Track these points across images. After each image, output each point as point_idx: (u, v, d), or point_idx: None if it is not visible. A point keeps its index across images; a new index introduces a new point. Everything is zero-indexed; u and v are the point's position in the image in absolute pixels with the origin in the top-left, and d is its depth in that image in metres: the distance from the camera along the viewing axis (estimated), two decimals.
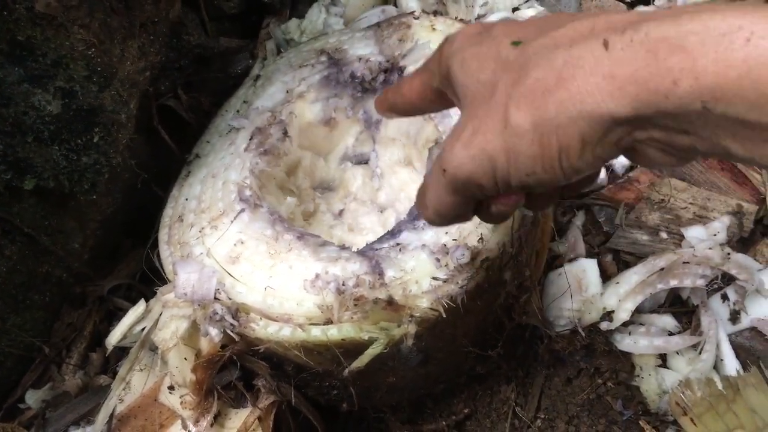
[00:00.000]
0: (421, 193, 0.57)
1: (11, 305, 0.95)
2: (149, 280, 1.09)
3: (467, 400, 1.03)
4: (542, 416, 1.00)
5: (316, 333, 0.73)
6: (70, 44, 0.70)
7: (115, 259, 1.13)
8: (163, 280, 0.88)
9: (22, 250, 0.93)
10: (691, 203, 1.02)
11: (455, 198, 0.52)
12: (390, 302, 0.72)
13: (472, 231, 0.77)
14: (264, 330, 0.75)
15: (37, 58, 0.71)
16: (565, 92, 0.42)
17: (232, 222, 0.83)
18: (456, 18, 1.02)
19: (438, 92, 0.57)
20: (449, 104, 0.58)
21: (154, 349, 0.87)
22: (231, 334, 0.76)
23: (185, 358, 0.81)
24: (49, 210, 0.92)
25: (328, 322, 0.74)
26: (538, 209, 0.51)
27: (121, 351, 1.04)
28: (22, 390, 1.00)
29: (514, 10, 1.18)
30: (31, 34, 0.68)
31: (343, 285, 0.74)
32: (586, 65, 0.42)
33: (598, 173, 0.53)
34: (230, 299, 0.77)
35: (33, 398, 0.98)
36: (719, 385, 0.84)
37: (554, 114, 0.43)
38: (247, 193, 0.85)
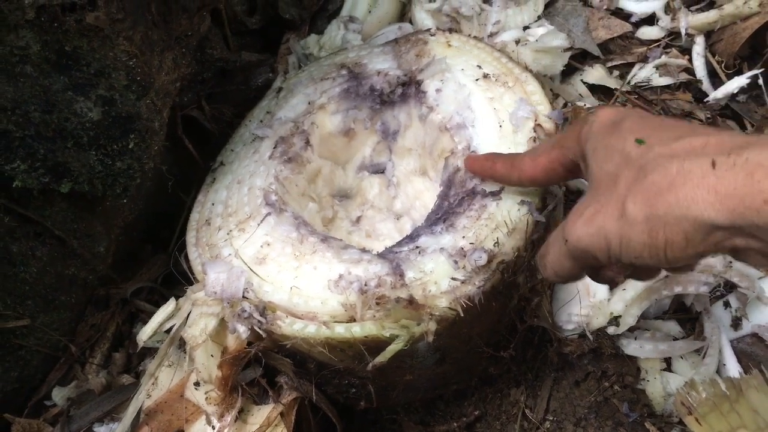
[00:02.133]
0: (543, 255, 0.67)
1: (41, 305, 0.98)
2: (170, 283, 1.14)
3: (478, 402, 1.06)
4: (551, 418, 1.03)
5: (340, 330, 0.77)
6: (113, 55, 0.75)
7: (137, 263, 1.16)
8: (186, 282, 0.91)
9: (52, 252, 0.97)
10: None
11: (573, 263, 0.62)
12: (411, 301, 0.76)
13: (489, 235, 0.81)
14: (290, 327, 0.78)
15: (81, 67, 0.75)
16: (674, 197, 0.51)
17: (258, 225, 0.87)
18: (469, 35, 1.07)
19: (572, 165, 0.68)
20: (578, 176, 0.69)
21: (181, 346, 0.91)
22: (258, 331, 0.79)
23: (212, 355, 0.85)
24: (79, 214, 0.96)
25: (352, 320, 0.78)
26: (641, 280, 0.63)
27: (144, 351, 1.08)
28: (47, 388, 1.04)
29: (525, 28, 1.24)
30: (78, 44, 0.73)
31: (366, 285, 0.78)
32: (695, 178, 0.50)
33: (697, 263, 0.61)
34: (258, 298, 0.81)
35: (59, 395, 1.01)
36: (723, 387, 0.87)
37: (663, 213, 0.51)
38: (273, 197, 0.90)
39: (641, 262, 0.55)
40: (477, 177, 0.84)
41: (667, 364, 1.01)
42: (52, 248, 0.97)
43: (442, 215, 0.86)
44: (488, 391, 1.06)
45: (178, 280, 0.96)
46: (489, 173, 0.80)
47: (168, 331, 0.92)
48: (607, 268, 0.64)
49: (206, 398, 0.86)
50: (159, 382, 0.90)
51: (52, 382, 1.04)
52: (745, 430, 0.85)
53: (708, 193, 0.49)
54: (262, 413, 0.86)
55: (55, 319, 1.02)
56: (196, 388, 0.87)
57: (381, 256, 0.83)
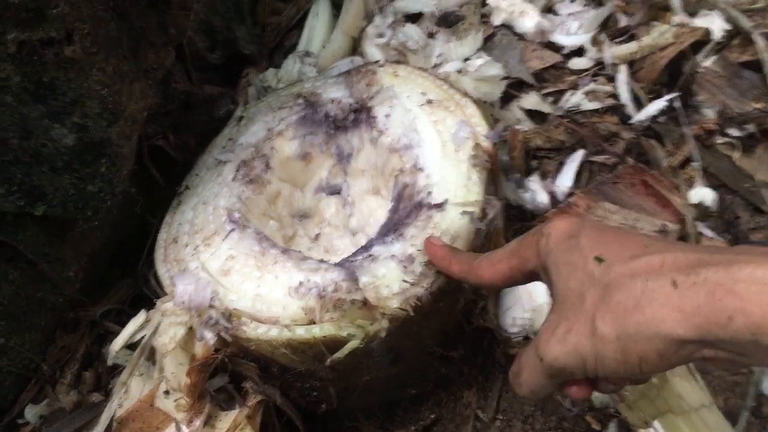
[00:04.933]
0: (516, 373, 0.68)
1: (13, 326, 1.02)
2: (138, 305, 1.18)
3: (433, 406, 1.13)
4: (501, 417, 1.10)
5: (301, 332, 0.83)
6: (87, 85, 0.82)
7: (105, 287, 1.21)
8: (154, 303, 0.97)
9: (24, 275, 1.01)
10: (622, 223, 1.17)
11: (550, 380, 0.63)
12: (365, 303, 0.82)
13: None
14: (254, 331, 0.85)
15: (58, 96, 0.82)
16: (642, 316, 0.54)
17: (223, 240, 0.94)
18: (415, 66, 1.17)
19: (531, 273, 0.70)
20: (537, 279, 0.71)
21: (150, 358, 0.96)
22: (224, 336, 0.85)
23: (181, 364, 0.91)
24: (50, 239, 1.01)
25: (311, 322, 0.84)
26: (617, 388, 0.66)
27: (114, 370, 1.12)
28: (20, 408, 1.07)
29: (466, 60, 1.35)
30: (55, 75, 0.80)
31: (324, 290, 0.85)
32: (659, 297, 0.53)
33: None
34: (224, 306, 0.87)
35: (31, 413, 1.04)
36: None
37: (634, 332, 0.54)
38: (237, 215, 0.97)
39: (617, 376, 0.59)
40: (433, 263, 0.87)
41: None
42: (23, 272, 1.01)
43: (393, 226, 0.94)
44: (443, 395, 1.13)
45: (145, 302, 1.02)
46: (444, 270, 0.83)
47: (138, 343, 0.97)
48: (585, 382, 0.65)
49: (176, 406, 0.90)
50: (130, 393, 0.94)
51: (24, 402, 1.07)
52: (672, 414, 0.93)
53: (674, 312, 0.52)
54: (229, 418, 0.91)
55: (26, 340, 1.05)
56: (165, 397, 0.92)
57: (338, 264, 0.90)
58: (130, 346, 0.99)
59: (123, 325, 1.14)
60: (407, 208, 0.96)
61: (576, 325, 0.59)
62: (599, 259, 0.60)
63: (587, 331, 0.58)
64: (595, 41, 1.45)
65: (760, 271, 0.50)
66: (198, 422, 0.90)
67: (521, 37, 1.46)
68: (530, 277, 0.71)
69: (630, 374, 0.57)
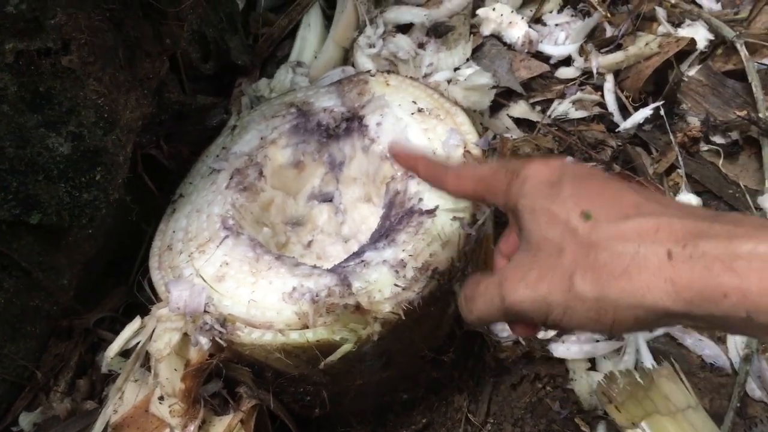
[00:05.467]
0: (469, 298, 0.67)
1: (8, 334, 1.02)
2: (132, 314, 1.19)
3: (425, 410, 1.14)
4: (491, 421, 1.12)
5: (295, 336, 0.85)
6: (84, 94, 0.83)
7: (99, 295, 1.21)
8: (148, 310, 0.98)
9: (18, 284, 1.01)
10: None
11: (503, 317, 0.63)
12: (357, 307, 0.84)
13: (425, 248, 0.91)
14: (249, 336, 0.86)
15: (54, 106, 0.84)
16: (628, 283, 0.52)
17: (217, 247, 0.95)
18: (406, 76, 1.19)
19: (493, 204, 0.69)
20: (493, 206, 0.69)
21: (145, 364, 0.97)
22: (219, 341, 0.87)
23: (175, 369, 0.91)
24: (44, 248, 1.02)
25: (305, 327, 0.85)
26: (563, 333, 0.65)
27: (108, 378, 1.13)
28: (13, 416, 1.08)
29: (456, 69, 1.37)
30: (51, 85, 0.81)
31: (317, 295, 0.86)
32: (650, 266, 0.51)
33: None
34: (218, 311, 0.88)
35: (25, 421, 1.05)
36: (637, 377, 0.98)
37: (616, 297, 0.53)
38: (231, 222, 0.98)
39: (580, 330, 0.60)
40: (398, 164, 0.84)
41: (592, 364, 1.10)
42: (18, 280, 1.02)
43: (384, 233, 0.96)
44: (434, 400, 1.14)
45: (139, 310, 1.03)
46: (411, 169, 0.78)
47: (132, 350, 0.98)
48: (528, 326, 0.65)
49: (170, 411, 0.91)
50: (125, 398, 0.95)
51: (18, 410, 1.07)
52: (659, 415, 0.95)
53: (665, 283, 0.50)
54: (223, 423, 0.92)
55: (20, 348, 1.06)
56: (160, 402, 0.93)
57: (330, 270, 0.92)
58: (124, 354, 1.00)
59: (117, 333, 1.15)
60: (399, 214, 0.97)
61: (550, 276, 0.57)
62: (586, 216, 0.57)
63: (563, 285, 0.56)
64: (582, 51, 1.48)
65: (761, 247, 0.48)
66: (192, 427, 0.91)
67: (510, 47, 1.49)
68: (490, 205, 0.70)
69: (596, 332, 0.58)
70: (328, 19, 1.53)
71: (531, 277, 0.59)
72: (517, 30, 1.47)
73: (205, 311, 0.88)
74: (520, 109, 1.40)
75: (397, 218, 0.97)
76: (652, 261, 0.52)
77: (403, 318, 0.85)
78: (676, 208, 0.56)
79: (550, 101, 1.44)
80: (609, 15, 1.52)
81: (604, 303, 0.54)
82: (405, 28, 1.49)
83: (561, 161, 0.64)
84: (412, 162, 0.77)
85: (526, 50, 1.47)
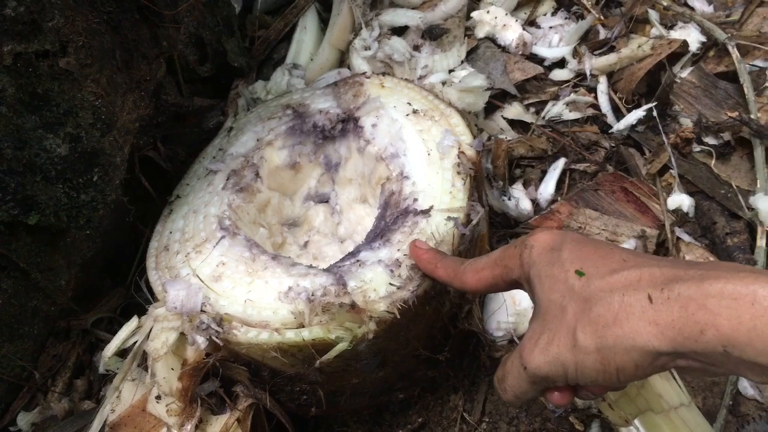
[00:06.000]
0: (500, 379, 0.71)
1: (6, 334, 1.03)
2: (129, 314, 1.20)
3: (421, 410, 1.15)
4: (487, 419, 1.13)
5: (291, 335, 0.85)
6: (81, 96, 0.84)
7: (96, 296, 1.22)
8: (145, 310, 0.99)
9: (16, 284, 1.02)
10: (603, 229, 1.20)
11: (533, 387, 0.67)
12: (353, 306, 0.84)
13: None
14: (245, 335, 0.87)
15: (51, 107, 0.84)
16: (620, 329, 0.57)
17: (214, 247, 0.96)
18: (401, 78, 1.20)
19: (514, 282, 0.73)
20: (517, 288, 0.74)
21: (142, 364, 0.98)
22: (216, 340, 0.87)
23: (172, 369, 0.92)
24: (42, 249, 1.02)
25: (301, 326, 0.86)
26: (598, 395, 0.69)
27: (104, 378, 1.14)
28: (11, 416, 1.08)
29: (450, 71, 1.38)
30: (49, 87, 0.82)
31: (313, 295, 0.87)
32: (636, 312, 0.57)
33: None
34: (215, 311, 0.89)
35: (24, 420, 1.05)
36: None
37: (612, 344, 0.58)
38: (227, 222, 0.99)
39: (596, 384, 0.63)
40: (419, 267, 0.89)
41: None
42: (16, 281, 1.02)
43: (380, 233, 0.97)
44: (430, 399, 1.15)
45: (136, 311, 1.03)
46: (429, 273, 0.86)
47: (129, 350, 0.98)
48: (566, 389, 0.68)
49: (167, 410, 0.92)
50: (122, 398, 0.95)
51: (16, 410, 1.08)
52: (652, 413, 0.96)
53: (650, 326, 0.55)
54: (220, 422, 0.93)
55: (19, 348, 1.06)
56: (157, 402, 0.93)
57: (326, 270, 0.93)
58: (121, 354, 1.01)
59: (114, 333, 1.16)
60: (394, 214, 0.98)
61: (558, 336, 0.62)
62: (580, 273, 0.63)
63: (569, 342, 0.61)
64: (575, 53, 1.49)
65: (729, 286, 0.52)
66: (189, 426, 0.92)
67: (504, 49, 1.50)
68: (512, 285, 0.74)
69: (608, 382, 0.61)
70: (323, 21, 1.55)
71: (543, 341, 0.64)
72: (511, 32, 1.49)
73: (201, 311, 0.89)
74: (514, 110, 1.41)
75: (392, 218, 0.98)
76: (636, 307, 0.57)
77: (398, 317, 0.86)
78: (658, 260, 0.61)
79: (544, 103, 1.45)
80: (602, 18, 1.53)
81: (605, 352, 0.58)
82: (400, 31, 1.50)
83: (562, 231, 0.71)
84: (431, 268, 0.84)
85: (520, 52, 1.49)
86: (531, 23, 1.58)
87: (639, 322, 0.56)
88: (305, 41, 1.49)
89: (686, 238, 1.22)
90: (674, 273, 0.57)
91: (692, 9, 1.55)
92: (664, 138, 1.33)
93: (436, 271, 0.84)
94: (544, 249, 0.68)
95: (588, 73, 1.44)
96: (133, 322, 0.97)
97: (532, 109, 1.45)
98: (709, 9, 1.56)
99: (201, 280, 0.92)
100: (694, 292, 0.54)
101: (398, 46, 1.42)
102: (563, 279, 0.64)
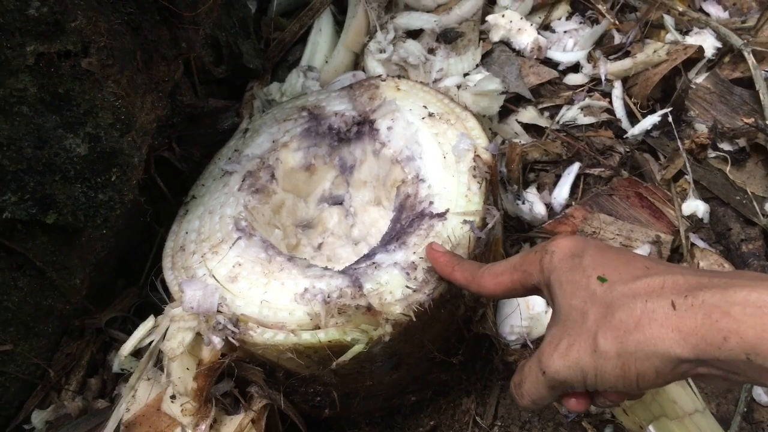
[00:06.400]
0: (518, 383, 0.71)
1: (22, 332, 1.04)
2: (142, 314, 1.21)
3: (433, 413, 1.15)
4: (499, 423, 1.13)
5: (307, 337, 0.85)
6: (102, 96, 0.85)
7: (110, 296, 1.23)
8: (161, 310, 0.99)
9: (32, 283, 1.03)
10: (617, 234, 1.20)
11: (551, 392, 0.67)
12: (369, 308, 0.85)
13: None
14: (261, 336, 0.87)
15: (72, 107, 0.85)
16: (642, 335, 0.57)
17: (230, 247, 0.96)
18: (416, 81, 1.21)
19: (533, 288, 0.73)
20: (536, 294, 0.74)
21: (157, 363, 0.98)
22: (232, 341, 0.88)
23: (187, 368, 0.93)
24: (58, 248, 1.03)
25: (317, 327, 0.86)
26: (614, 403, 0.69)
27: (118, 377, 1.14)
28: (25, 414, 1.09)
29: (465, 75, 1.38)
30: (70, 87, 0.83)
31: (329, 297, 0.87)
32: (658, 318, 0.57)
33: None
34: (231, 311, 0.89)
35: (38, 419, 1.06)
36: None
37: (634, 350, 0.58)
38: (243, 223, 0.99)
39: (615, 390, 0.63)
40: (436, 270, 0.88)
41: None
42: (32, 279, 1.03)
43: (395, 235, 0.97)
44: (442, 402, 1.15)
45: (149, 311, 1.04)
46: (447, 277, 0.85)
47: (145, 349, 0.99)
48: (583, 395, 0.67)
49: (182, 410, 0.92)
50: (137, 397, 0.96)
51: (30, 408, 1.08)
52: (666, 418, 0.96)
53: (672, 332, 0.55)
54: (234, 422, 0.93)
55: (33, 346, 1.07)
56: (172, 401, 0.93)
57: (342, 272, 0.93)
58: (136, 354, 1.01)
59: (128, 333, 1.17)
60: (409, 217, 0.98)
61: (578, 341, 0.62)
62: (602, 279, 0.63)
63: (589, 347, 0.61)
64: (590, 58, 1.49)
65: (754, 294, 0.53)
66: (204, 426, 0.92)
67: (519, 53, 1.50)
68: (530, 291, 0.74)
69: (628, 389, 0.61)
70: (339, 24, 1.55)
71: (563, 346, 0.63)
72: (526, 36, 1.49)
73: (218, 311, 0.89)
74: (528, 114, 1.41)
75: (407, 221, 0.98)
76: (659, 313, 0.57)
77: (414, 319, 0.86)
78: (682, 269, 0.61)
79: (559, 107, 1.45)
80: (617, 22, 1.53)
81: (625, 358, 0.58)
82: (415, 34, 1.50)
83: (583, 237, 0.71)
84: (448, 271, 0.84)
85: (534, 56, 1.49)
86: (546, 27, 1.58)
87: (661, 329, 0.56)
88: (320, 43, 1.50)
89: (701, 244, 1.22)
90: (698, 281, 0.57)
91: (708, 15, 1.54)
92: (679, 144, 1.33)
93: (453, 275, 0.83)
94: (566, 255, 0.68)
95: (603, 77, 1.44)
96: (150, 321, 0.97)
97: (547, 114, 1.45)
98: (724, 15, 1.56)
99: (217, 280, 0.93)
100: (718, 299, 0.54)
101: (413, 49, 1.42)
102: (585, 285, 0.64)
